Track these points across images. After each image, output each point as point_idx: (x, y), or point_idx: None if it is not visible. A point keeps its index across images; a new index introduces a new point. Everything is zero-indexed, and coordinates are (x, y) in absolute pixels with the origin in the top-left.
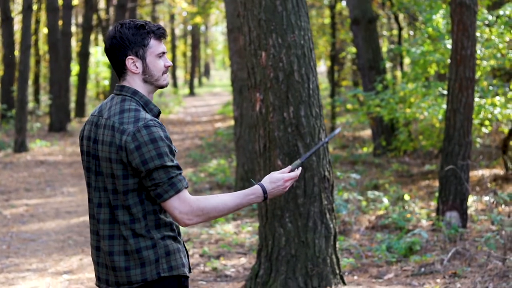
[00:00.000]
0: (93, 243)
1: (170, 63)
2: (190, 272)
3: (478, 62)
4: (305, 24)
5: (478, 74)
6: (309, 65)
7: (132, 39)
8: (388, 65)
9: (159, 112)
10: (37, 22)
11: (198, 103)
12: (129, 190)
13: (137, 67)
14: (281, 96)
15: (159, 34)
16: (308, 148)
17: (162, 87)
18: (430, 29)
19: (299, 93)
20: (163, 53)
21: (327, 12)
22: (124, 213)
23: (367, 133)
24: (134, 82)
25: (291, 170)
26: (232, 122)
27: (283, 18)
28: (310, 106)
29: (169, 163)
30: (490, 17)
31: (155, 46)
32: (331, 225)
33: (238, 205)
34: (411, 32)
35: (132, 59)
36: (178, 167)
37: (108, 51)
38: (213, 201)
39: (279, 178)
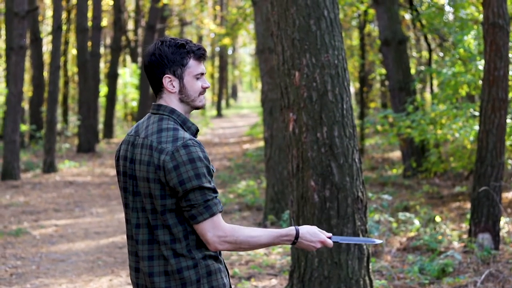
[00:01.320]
0: (132, 264)
1: (208, 85)
2: None
3: (510, 83)
4: (339, 43)
5: (510, 95)
6: (342, 85)
7: (171, 58)
8: (417, 86)
9: (197, 130)
10: (66, 43)
11: (226, 124)
12: (166, 210)
13: (173, 86)
14: (315, 116)
15: (199, 54)
16: (342, 169)
17: (198, 108)
18: (461, 50)
19: (333, 113)
20: (202, 74)
21: (355, 33)
22: (165, 232)
23: (396, 154)
24: (171, 101)
25: (329, 238)
26: (260, 144)
27: (317, 38)
28: (343, 127)
29: (207, 185)
30: None
31: (194, 66)
32: (364, 247)
33: (270, 243)
34: (441, 54)
35: (169, 77)
36: (214, 190)
37: (146, 67)
38: (247, 233)
39: (317, 235)
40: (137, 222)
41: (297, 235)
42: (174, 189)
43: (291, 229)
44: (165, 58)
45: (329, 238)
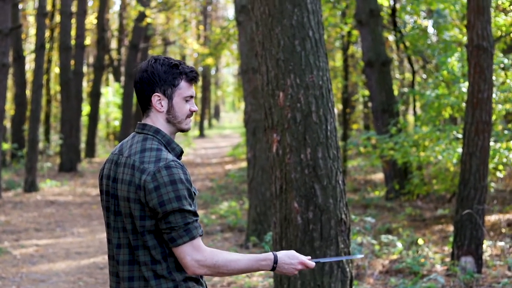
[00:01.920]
0: (112, 284)
1: (196, 108)
2: None
3: (493, 106)
4: (323, 64)
5: (493, 117)
6: (327, 106)
7: (163, 77)
8: (400, 108)
9: (182, 152)
10: (49, 61)
11: (208, 144)
12: (145, 231)
13: (162, 106)
14: (299, 138)
15: (191, 77)
16: (326, 191)
17: (183, 130)
18: (445, 72)
19: (317, 134)
20: (191, 96)
21: (338, 55)
22: (145, 253)
23: (378, 176)
24: (157, 120)
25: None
26: (242, 164)
27: (301, 58)
28: (327, 148)
29: (187, 207)
30: (506, 60)
31: (184, 88)
32: (347, 269)
33: (249, 268)
34: (424, 76)
35: (158, 96)
36: (195, 213)
37: (136, 83)
38: (226, 257)
39: (296, 257)
40: (118, 242)
41: (275, 260)
42: (154, 210)
43: (269, 254)
44: (156, 76)
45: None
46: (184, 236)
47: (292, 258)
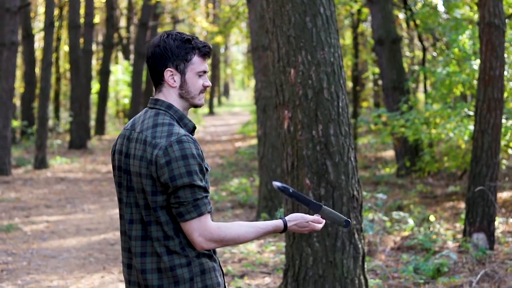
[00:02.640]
0: (124, 260)
1: (209, 83)
2: None
3: (505, 83)
4: (335, 41)
5: (505, 94)
6: (338, 83)
7: (176, 52)
8: (411, 85)
9: (194, 127)
10: (58, 39)
11: (218, 122)
12: (157, 207)
13: (174, 81)
14: (310, 114)
15: (204, 51)
16: (337, 167)
17: (196, 106)
18: (456, 50)
19: (328, 111)
20: (204, 72)
21: (348, 33)
22: (158, 229)
23: (389, 153)
24: (170, 95)
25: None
26: (252, 142)
27: (312, 35)
28: (339, 125)
29: (198, 183)
30: None
31: (197, 63)
32: (360, 246)
33: (258, 236)
34: (434, 54)
35: (171, 71)
36: (205, 189)
37: (149, 59)
38: (234, 232)
39: (305, 226)
40: (131, 218)
41: (285, 228)
42: (165, 184)
43: (279, 224)
44: (169, 51)
45: (318, 210)
46: (192, 212)
47: (301, 227)
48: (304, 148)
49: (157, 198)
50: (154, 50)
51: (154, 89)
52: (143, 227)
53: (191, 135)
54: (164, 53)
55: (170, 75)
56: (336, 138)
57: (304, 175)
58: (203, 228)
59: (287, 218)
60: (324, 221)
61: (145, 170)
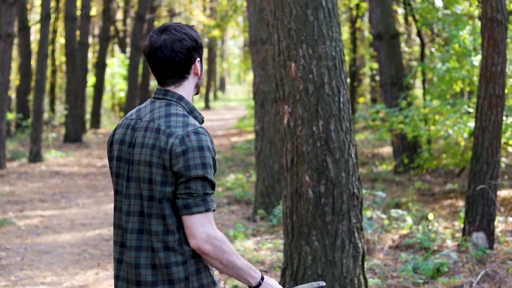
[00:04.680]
0: (115, 255)
1: None
2: None
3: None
4: (336, 35)
5: (507, 91)
6: (340, 78)
7: (199, 42)
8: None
9: (203, 121)
10: (54, 32)
11: (214, 117)
12: (164, 198)
13: (199, 69)
14: (311, 109)
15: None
16: (338, 164)
17: (198, 93)
18: (456, 46)
19: (329, 106)
20: None
21: (345, 28)
22: (159, 222)
23: (386, 150)
24: (190, 87)
25: None
26: (248, 137)
27: (314, 28)
28: (340, 120)
29: (210, 177)
30: None
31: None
32: (360, 245)
33: (241, 270)
34: (433, 49)
35: (199, 61)
36: (213, 186)
37: (177, 53)
38: (232, 248)
39: None
40: (128, 210)
41: (262, 277)
42: (177, 173)
43: (258, 273)
44: (195, 41)
45: None
46: (201, 206)
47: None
48: (304, 144)
49: (166, 189)
50: (182, 44)
51: (161, 83)
52: (141, 220)
53: (205, 129)
54: (193, 44)
55: (199, 65)
56: (337, 134)
57: (303, 172)
58: (208, 224)
59: (267, 280)
60: None
61: (156, 159)
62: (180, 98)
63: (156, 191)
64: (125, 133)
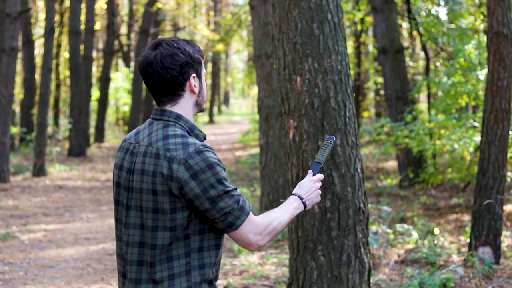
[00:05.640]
0: (120, 285)
1: None
2: None
3: None
4: (342, 48)
5: None
6: (346, 92)
7: (194, 57)
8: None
9: (205, 137)
10: (59, 46)
11: (218, 131)
12: (177, 225)
13: (195, 87)
14: (316, 124)
15: (202, 53)
16: (344, 179)
17: (202, 110)
18: (461, 60)
19: (335, 120)
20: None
21: (349, 42)
22: (163, 252)
23: (390, 164)
24: (187, 105)
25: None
26: (253, 151)
27: (320, 42)
28: (346, 135)
29: (231, 187)
30: None
31: (203, 65)
32: (366, 260)
33: (291, 215)
34: (438, 63)
35: (195, 78)
36: (236, 188)
37: (167, 69)
38: (272, 216)
39: (307, 181)
40: (128, 240)
41: (299, 196)
42: (195, 200)
43: (291, 197)
44: (190, 57)
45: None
46: (241, 215)
47: (304, 186)
48: (309, 158)
49: (177, 216)
50: (174, 58)
51: (157, 102)
52: (140, 251)
53: (209, 145)
54: (187, 60)
55: (194, 81)
56: (342, 148)
57: None
58: (255, 225)
59: (298, 193)
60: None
61: (161, 187)
62: (178, 117)
63: (167, 220)
64: (123, 157)
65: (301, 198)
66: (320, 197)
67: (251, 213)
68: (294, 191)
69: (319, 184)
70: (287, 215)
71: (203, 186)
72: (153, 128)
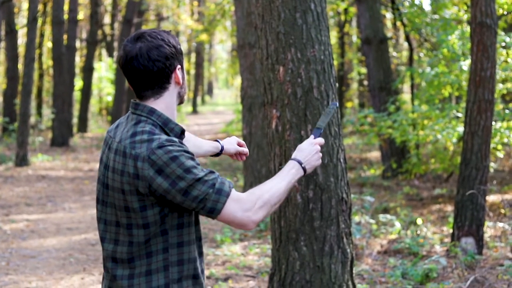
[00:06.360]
0: (104, 274)
1: None
2: None
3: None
4: (325, 38)
5: (496, 96)
6: (328, 82)
7: (178, 48)
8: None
9: (183, 131)
10: (42, 35)
11: (201, 121)
12: (149, 223)
13: (180, 78)
14: (299, 114)
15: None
16: (326, 169)
17: (182, 102)
18: (445, 50)
19: (318, 110)
20: None
21: (333, 33)
22: (141, 248)
23: (374, 154)
24: (171, 97)
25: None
26: None
27: (303, 32)
28: (329, 125)
29: (201, 174)
30: (507, 39)
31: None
32: (348, 250)
33: (288, 183)
34: (421, 54)
35: (179, 69)
36: (212, 172)
37: (154, 62)
38: (266, 187)
39: (306, 144)
40: (104, 236)
41: (298, 160)
42: (167, 195)
43: (289, 162)
44: (174, 48)
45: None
46: (220, 198)
47: (303, 149)
48: (292, 148)
49: (147, 213)
50: (160, 50)
51: (139, 96)
52: (114, 248)
53: (175, 139)
54: (172, 51)
55: (179, 73)
56: (325, 138)
57: None
58: (241, 203)
59: (297, 157)
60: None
61: (128, 186)
62: (151, 112)
63: (139, 218)
64: (104, 151)
65: (300, 163)
66: (321, 160)
67: (233, 192)
68: (293, 155)
69: (319, 147)
70: (284, 183)
71: (170, 180)
72: (128, 122)
